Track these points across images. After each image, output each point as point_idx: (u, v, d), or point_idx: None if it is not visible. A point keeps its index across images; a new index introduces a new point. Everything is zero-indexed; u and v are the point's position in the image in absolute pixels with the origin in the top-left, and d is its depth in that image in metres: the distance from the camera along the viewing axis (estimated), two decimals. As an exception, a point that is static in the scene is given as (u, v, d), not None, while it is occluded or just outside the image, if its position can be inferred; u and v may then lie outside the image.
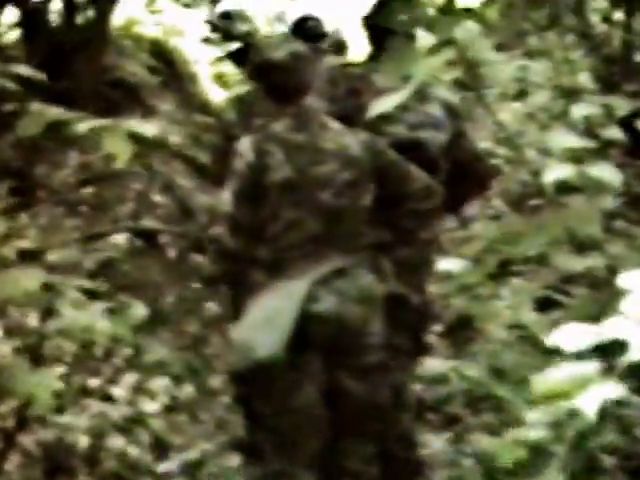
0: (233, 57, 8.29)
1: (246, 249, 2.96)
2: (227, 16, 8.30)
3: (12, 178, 5.63)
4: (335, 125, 3.08)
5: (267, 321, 2.79)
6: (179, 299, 5.46)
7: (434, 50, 2.37)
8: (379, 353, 2.98)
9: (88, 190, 5.90)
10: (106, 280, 5.04)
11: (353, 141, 3.03)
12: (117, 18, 7.31)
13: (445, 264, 5.39)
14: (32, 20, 6.17)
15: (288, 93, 3.08)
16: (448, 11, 2.33)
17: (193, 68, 8.15)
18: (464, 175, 3.44)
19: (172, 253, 5.87)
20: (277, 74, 3.09)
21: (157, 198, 6.17)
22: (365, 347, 2.94)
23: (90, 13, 6.49)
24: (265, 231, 2.95)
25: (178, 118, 7.37)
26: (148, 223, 5.89)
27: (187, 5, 7.32)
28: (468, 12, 2.40)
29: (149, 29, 7.91)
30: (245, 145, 3.00)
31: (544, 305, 4.36)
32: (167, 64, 7.84)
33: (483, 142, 6.94)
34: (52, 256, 5.09)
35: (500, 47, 7.82)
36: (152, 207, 6.08)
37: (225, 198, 3.00)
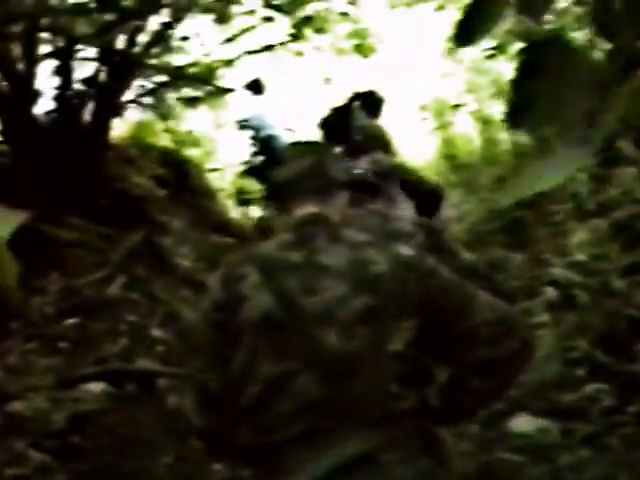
0: (256, 172, 7.46)
1: (221, 429, 2.04)
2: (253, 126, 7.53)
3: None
4: (358, 237, 2.10)
5: None
6: (178, 460, 4.35)
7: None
8: None
9: (71, 321, 4.96)
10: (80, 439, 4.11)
11: (381, 256, 2.02)
12: (124, 124, 6.55)
13: (520, 423, 4.26)
14: (16, 124, 5.31)
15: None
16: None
17: (209, 182, 7.33)
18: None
19: (172, 401, 4.76)
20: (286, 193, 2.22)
21: (156, 332, 5.20)
22: None
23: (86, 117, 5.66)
24: (241, 399, 1.97)
25: (190, 237, 6.48)
26: (143, 364, 4.92)
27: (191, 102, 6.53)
28: None
29: (161, 138, 7.14)
30: (215, 277, 2.11)
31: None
32: (179, 176, 7.01)
33: (553, 269, 5.92)
34: (16, 405, 4.15)
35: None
36: (150, 343, 5.10)
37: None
